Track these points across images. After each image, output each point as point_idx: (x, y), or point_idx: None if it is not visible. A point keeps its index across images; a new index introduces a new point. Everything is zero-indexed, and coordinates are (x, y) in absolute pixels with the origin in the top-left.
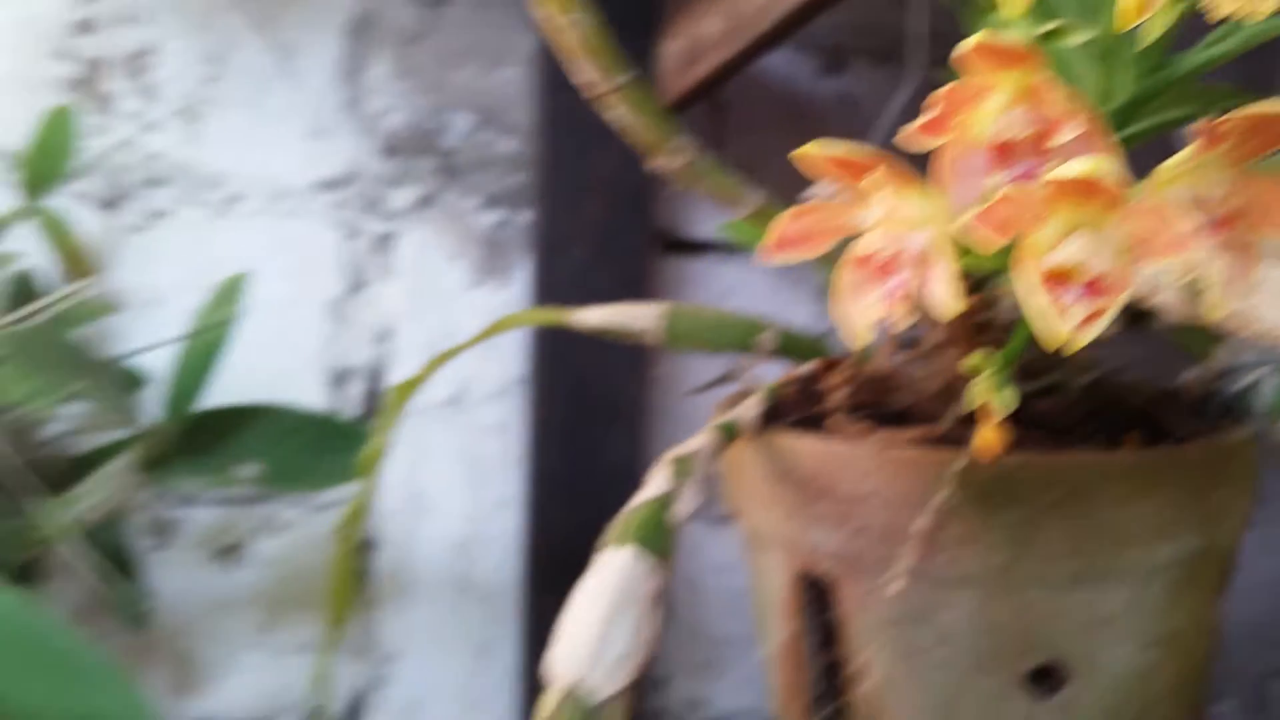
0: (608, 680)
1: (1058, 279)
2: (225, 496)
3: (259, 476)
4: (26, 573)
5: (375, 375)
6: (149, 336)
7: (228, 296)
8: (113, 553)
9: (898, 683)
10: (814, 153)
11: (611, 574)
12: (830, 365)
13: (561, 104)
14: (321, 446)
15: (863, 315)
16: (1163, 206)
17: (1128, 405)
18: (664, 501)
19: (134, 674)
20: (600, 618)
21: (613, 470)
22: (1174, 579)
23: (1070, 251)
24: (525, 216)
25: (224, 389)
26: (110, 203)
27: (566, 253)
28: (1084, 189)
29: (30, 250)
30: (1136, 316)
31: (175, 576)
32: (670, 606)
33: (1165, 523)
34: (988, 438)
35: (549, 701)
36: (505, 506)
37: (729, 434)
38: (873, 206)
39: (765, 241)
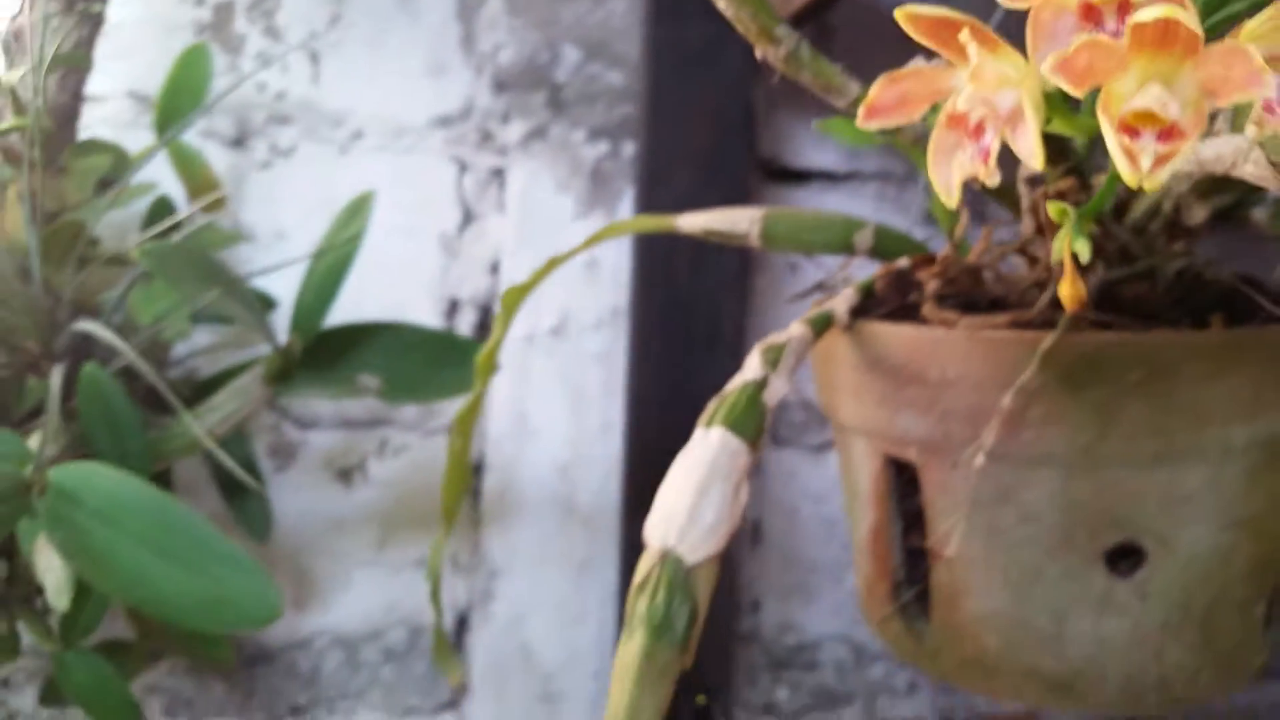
0: (699, 546)
1: (1134, 125)
2: (344, 420)
3: (379, 388)
4: (156, 484)
5: (486, 305)
6: (277, 272)
7: (354, 214)
8: (237, 463)
9: (978, 562)
10: (913, 11)
11: (704, 452)
12: (925, 261)
13: (666, 34)
14: (437, 361)
15: (954, 174)
16: (1236, 49)
17: (1215, 293)
18: (755, 387)
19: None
20: (693, 490)
21: (711, 396)
22: (1253, 461)
23: (1146, 99)
24: (630, 148)
25: (344, 318)
26: (238, 141)
27: (670, 182)
28: (1161, 34)
29: (163, 185)
30: (1227, 212)
31: (296, 496)
32: (765, 532)
33: (1245, 404)
34: (1069, 290)
35: (645, 563)
36: (606, 432)
37: (822, 325)
38: (964, 69)
39: (862, 106)
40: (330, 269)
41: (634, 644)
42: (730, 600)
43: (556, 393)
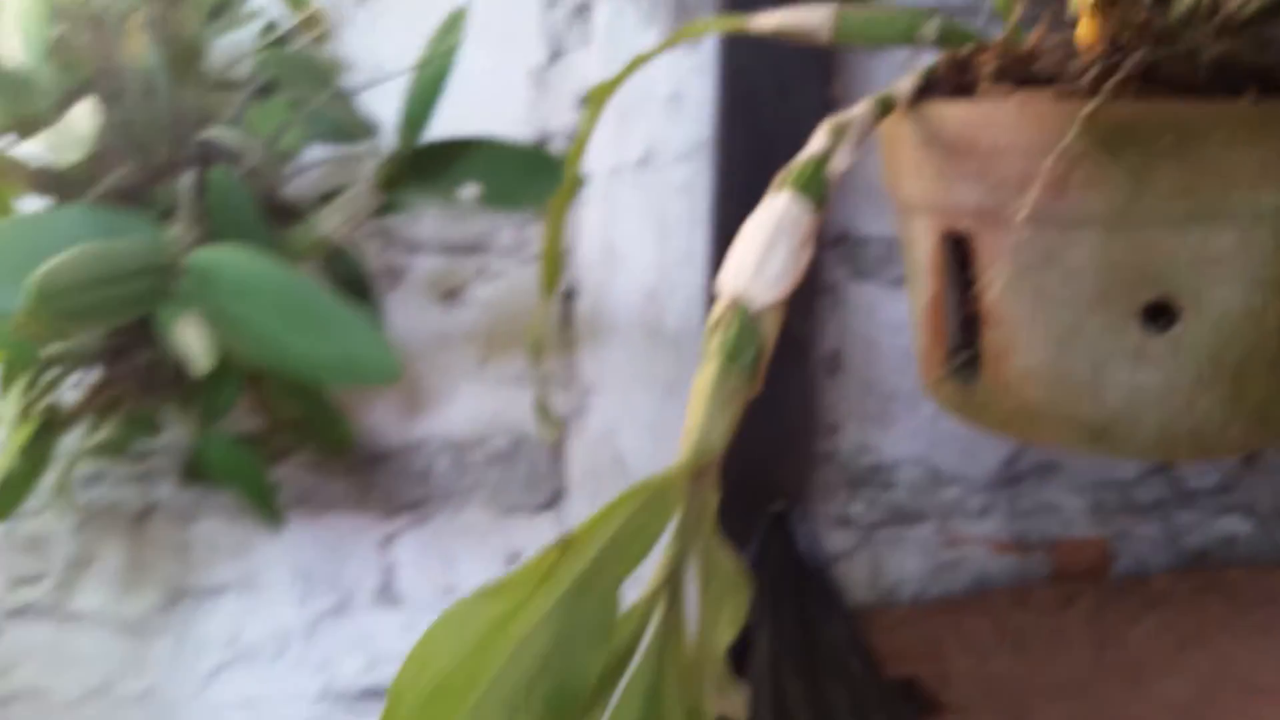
0: (765, 293)
1: None
2: (446, 245)
3: (477, 196)
4: None
5: (574, 138)
6: (372, 103)
7: (449, 30)
8: (353, 281)
9: (1024, 322)
10: None
11: (773, 212)
12: (983, 48)
13: None
14: (531, 173)
15: None
16: None
17: (1253, 71)
18: (821, 157)
19: (365, 393)
20: (761, 244)
21: None
22: None
23: None
24: None
25: (451, 123)
26: None
27: (754, 8)
28: None
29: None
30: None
31: (404, 315)
32: (845, 361)
33: (1272, 170)
34: (1085, 29)
35: (718, 308)
36: (690, 260)
37: (885, 105)
38: None
39: None
40: (429, 81)
41: (709, 370)
42: (809, 422)
43: (642, 223)
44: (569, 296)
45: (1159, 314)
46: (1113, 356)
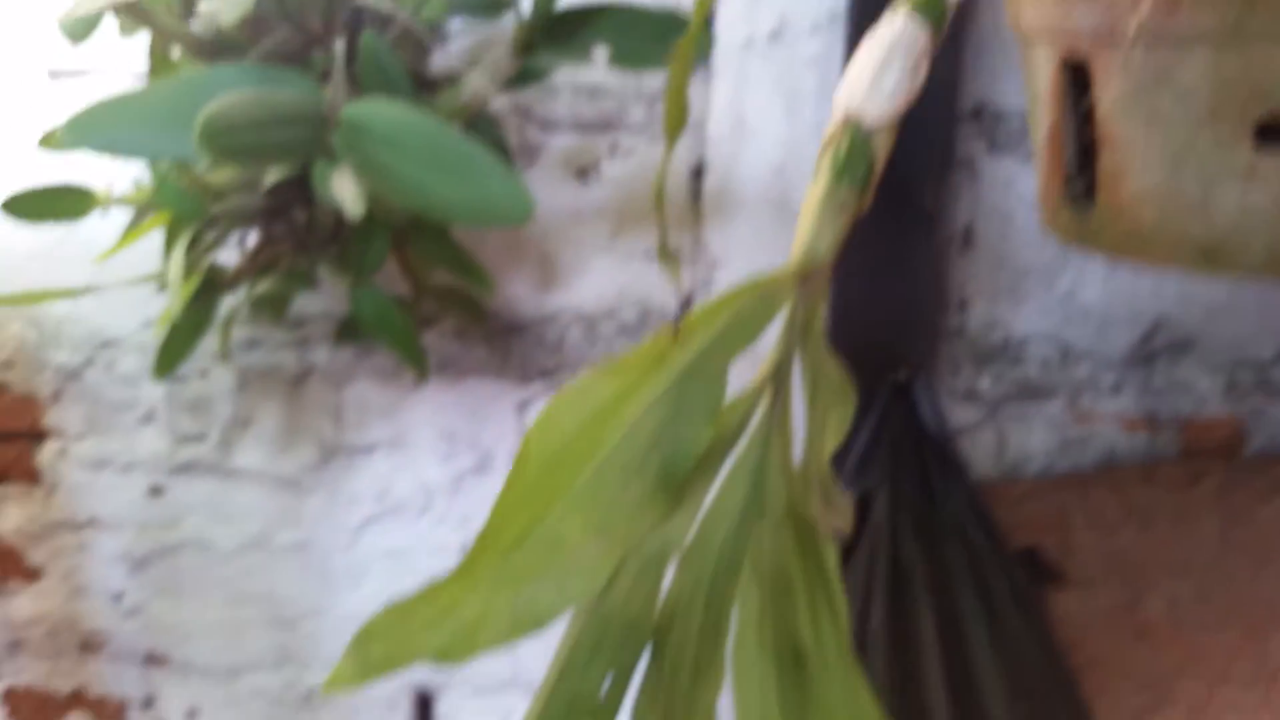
0: (878, 110)
1: None
2: (579, 123)
3: (608, 57)
4: None
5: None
6: None
7: None
8: (493, 150)
9: (1138, 144)
10: None
11: (890, 30)
12: None
13: None
14: (660, 35)
15: None
16: None
17: None
18: None
19: (502, 267)
20: (876, 62)
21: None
22: None
23: None
24: None
25: None
26: None
27: None
28: None
29: None
30: None
31: (539, 192)
32: (977, 236)
33: None
34: None
35: (832, 126)
36: (819, 135)
37: None
38: None
39: None
40: None
41: (820, 185)
42: (938, 296)
43: (772, 97)
44: (697, 173)
45: (1270, 132)
46: (1224, 175)
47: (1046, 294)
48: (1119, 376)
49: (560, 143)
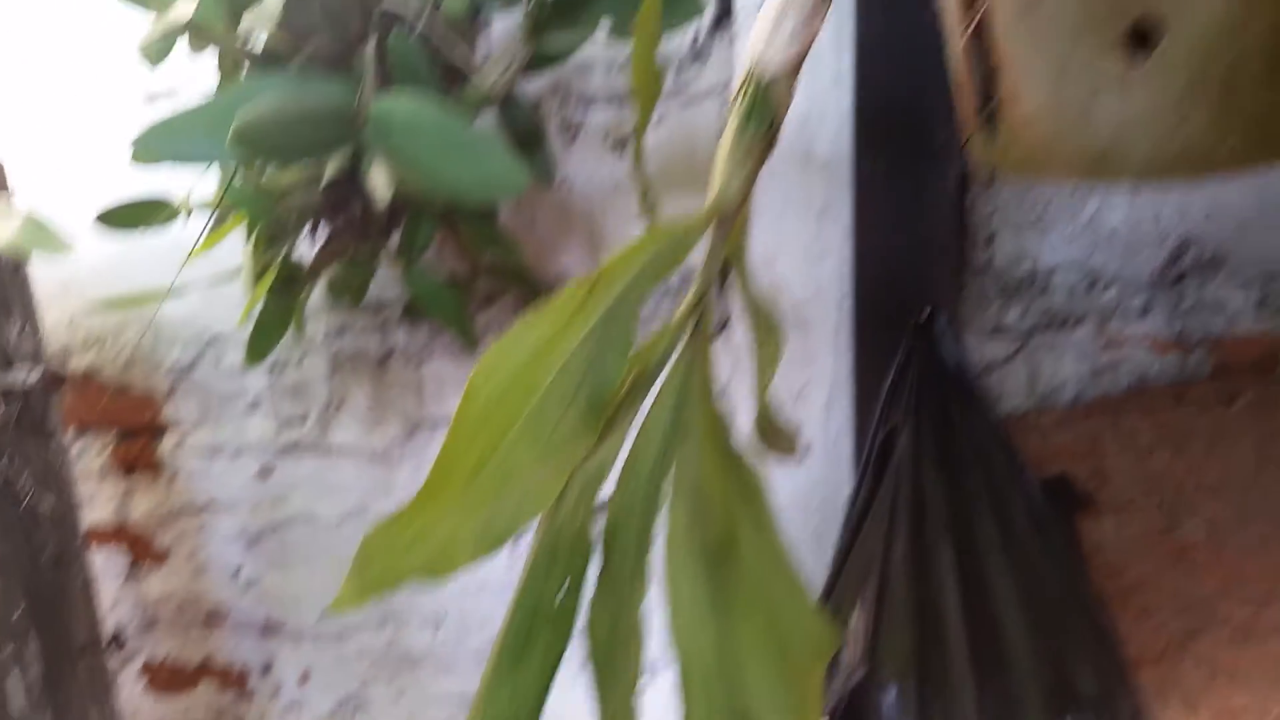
0: (778, 58)
1: None
2: (616, 96)
3: (611, 29)
4: None
5: None
6: None
7: None
8: (527, 130)
9: (1025, 64)
10: None
11: None
12: None
13: None
14: (666, 4)
15: None
16: None
17: None
18: None
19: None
20: (775, 11)
21: (939, 45)
22: None
23: None
24: None
25: None
26: None
27: None
28: None
29: None
30: None
31: (583, 165)
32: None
33: None
34: None
35: (739, 77)
36: (838, 84)
37: None
38: None
39: None
40: None
41: (729, 132)
42: (965, 234)
43: None
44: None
45: (1142, 38)
46: (1101, 87)
47: (1071, 221)
48: (1148, 299)
49: (599, 118)
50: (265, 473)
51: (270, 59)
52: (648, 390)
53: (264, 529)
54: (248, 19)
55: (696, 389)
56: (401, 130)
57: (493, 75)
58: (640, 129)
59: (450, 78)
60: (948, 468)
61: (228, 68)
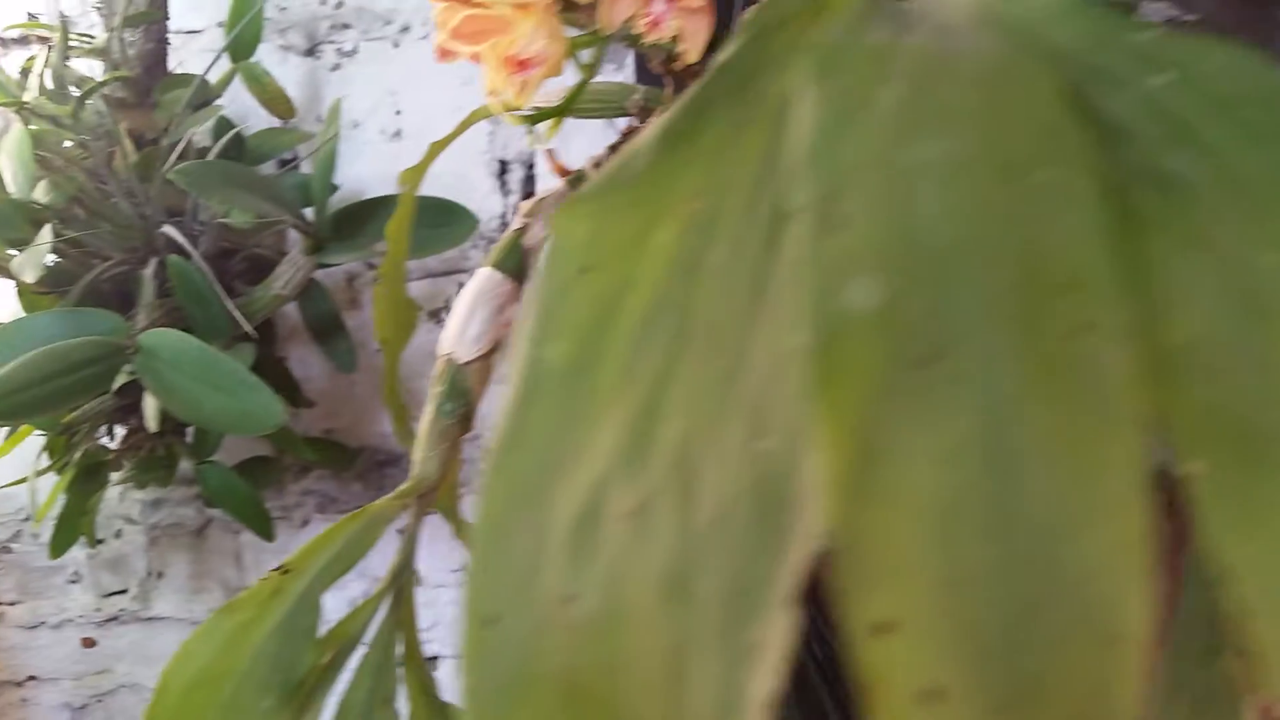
0: (468, 353)
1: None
2: (427, 272)
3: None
4: (264, 334)
5: (530, 162)
6: (354, 155)
7: (331, 119)
8: (327, 319)
9: None
10: None
11: (474, 283)
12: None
13: None
14: (435, 222)
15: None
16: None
17: None
18: (515, 235)
19: (371, 406)
20: (466, 310)
21: None
22: None
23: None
24: None
25: (427, 190)
26: (310, 51)
27: None
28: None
29: (241, 101)
30: None
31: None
32: None
33: None
34: None
35: (437, 366)
36: None
37: (576, 181)
38: None
39: None
40: (323, 162)
41: (427, 415)
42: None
43: None
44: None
45: None
46: None
47: None
48: None
49: (412, 289)
50: (87, 645)
51: (59, 279)
52: (344, 663)
53: (89, 699)
54: (15, 262)
55: (406, 654)
56: (166, 364)
57: (276, 285)
58: (391, 372)
59: (254, 276)
60: None
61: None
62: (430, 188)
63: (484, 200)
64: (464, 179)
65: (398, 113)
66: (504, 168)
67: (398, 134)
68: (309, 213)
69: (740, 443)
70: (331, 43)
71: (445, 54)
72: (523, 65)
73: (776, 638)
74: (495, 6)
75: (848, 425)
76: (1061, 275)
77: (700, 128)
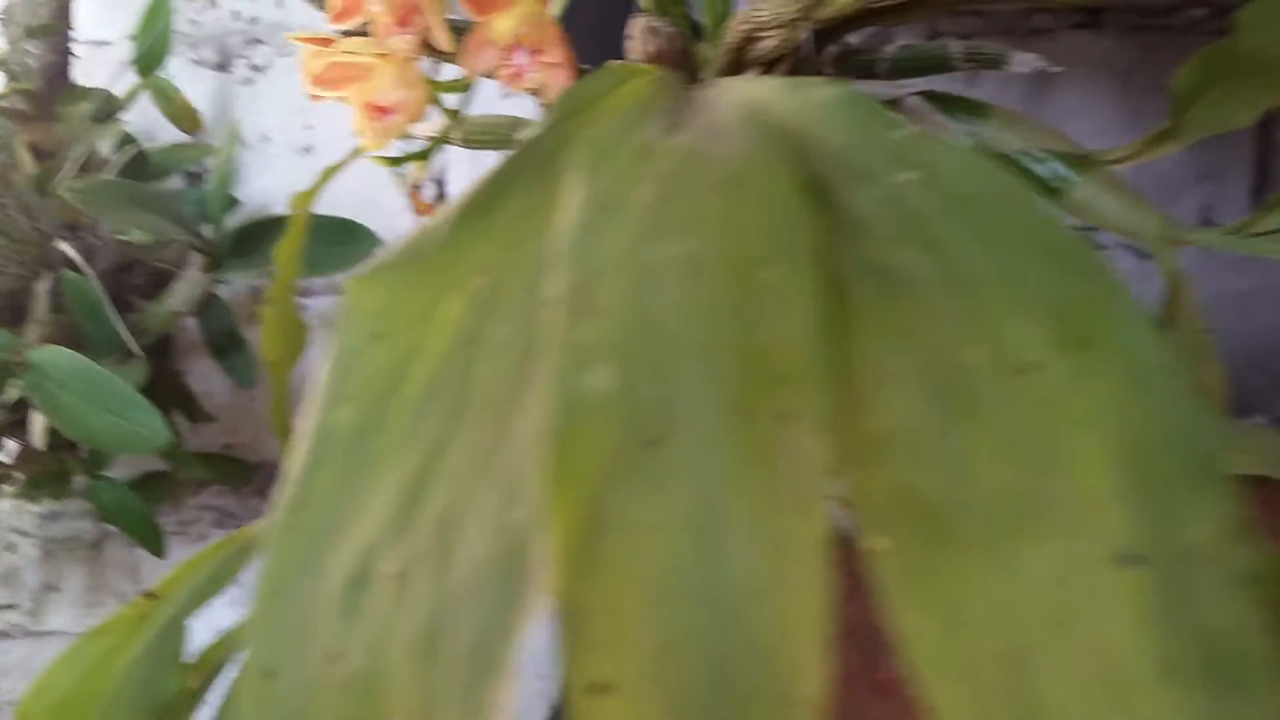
0: None
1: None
2: (336, 289)
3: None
4: (163, 348)
5: (440, 180)
6: (263, 168)
7: (230, 141)
8: (227, 335)
9: None
10: None
11: None
12: None
13: None
14: (333, 241)
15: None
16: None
17: None
18: None
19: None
20: None
21: None
22: None
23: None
24: None
25: (329, 203)
26: (221, 65)
27: None
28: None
29: (148, 115)
30: None
31: (309, 352)
32: None
33: None
34: None
35: None
36: None
37: None
38: None
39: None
40: (220, 180)
41: None
42: None
43: None
44: None
45: None
46: None
47: None
48: None
49: (319, 304)
50: None
51: None
52: (209, 689)
53: None
54: None
55: None
56: (54, 381)
57: (174, 302)
58: (279, 388)
59: (154, 291)
60: None
61: None
62: (337, 206)
63: (392, 219)
64: (370, 198)
65: (308, 128)
66: (416, 185)
67: (308, 149)
68: (210, 229)
69: (495, 512)
70: (243, 58)
71: (314, 96)
72: (384, 111)
73: (507, 699)
74: (357, 54)
75: (579, 499)
76: (775, 367)
77: (497, 204)
